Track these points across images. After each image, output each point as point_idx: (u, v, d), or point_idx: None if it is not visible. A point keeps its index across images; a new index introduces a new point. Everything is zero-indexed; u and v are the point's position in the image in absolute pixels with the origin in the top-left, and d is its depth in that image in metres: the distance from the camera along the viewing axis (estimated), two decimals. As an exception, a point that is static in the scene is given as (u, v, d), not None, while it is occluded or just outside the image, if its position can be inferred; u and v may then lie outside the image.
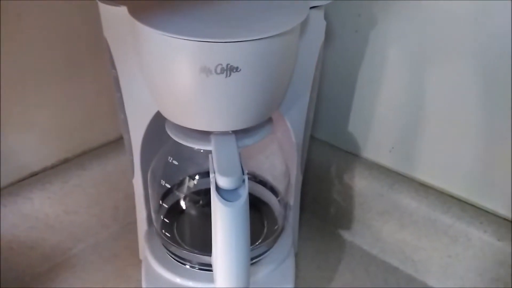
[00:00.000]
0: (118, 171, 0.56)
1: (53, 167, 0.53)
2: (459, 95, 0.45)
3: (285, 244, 0.48)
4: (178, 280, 0.44)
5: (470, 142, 0.46)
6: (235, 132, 0.37)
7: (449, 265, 0.50)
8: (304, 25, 0.37)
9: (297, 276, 0.48)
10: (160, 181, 0.45)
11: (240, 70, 0.31)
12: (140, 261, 0.51)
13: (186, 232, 0.48)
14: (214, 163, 0.33)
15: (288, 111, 0.41)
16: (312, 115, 0.46)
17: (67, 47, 0.49)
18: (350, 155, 0.57)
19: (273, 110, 0.38)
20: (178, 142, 0.38)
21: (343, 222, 0.59)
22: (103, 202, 0.56)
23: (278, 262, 0.46)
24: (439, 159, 0.50)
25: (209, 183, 0.33)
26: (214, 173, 0.32)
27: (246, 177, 0.33)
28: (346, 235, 0.59)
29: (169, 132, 0.39)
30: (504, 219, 0.47)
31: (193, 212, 0.49)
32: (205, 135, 0.37)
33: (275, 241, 0.48)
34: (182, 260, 0.45)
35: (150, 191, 0.46)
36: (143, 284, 0.45)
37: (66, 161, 0.54)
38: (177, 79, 0.32)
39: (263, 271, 0.45)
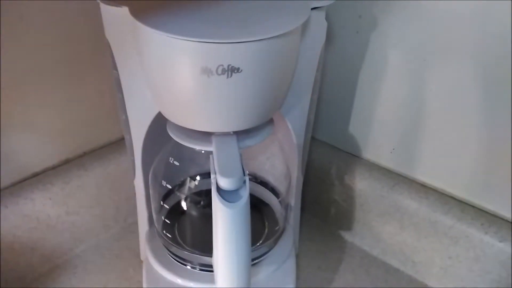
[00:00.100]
0: (119, 172, 0.56)
1: (54, 167, 0.53)
2: (460, 95, 0.45)
3: (286, 244, 0.49)
4: (179, 280, 0.44)
5: (471, 143, 0.46)
6: (236, 133, 0.37)
7: (449, 266, 0.50)
8: (305, 26, 0.37)
9: (298, 277, 0.48)
10: (161, 182, 0.45)
11: (242, 71, 0.31)
12: (141, 262, 0.51)
13: (187, 232, 0.48)
14: (215, 164, 0.33)
15: (289, 112, 0.41)
16: (313, 116, 0.46)
17: (69, 48, 0.49)
18: (351, 156, 0.57)
19: (274, 111, 0.38)
20: (179, 143, 0.38)
21: (343, 223, 0.59)
22: (104, 202, 0.56)
23: (279, 262, 0.46)
24: (440, 160, 0.50)
25: (210, 184, 0.33)
26: (215, 174, 0.32)
27: (247, 178, 0.33)
28: (346, 236, 0.59)
29: (170, 133, 0.39)
30: (505, 220, 0.47)
31: (194, 213, 0.49)
32: (206, 136, 0.37)
33: (276, 241, 0.48)
34: (183, 260, 0.45)
35: (151, 191, 0.46)
36: (144, 285, 0.45)
37: (67, 161, 0.54)
38: (178, 80, 0.33)
39: (264, 272, 0.45)
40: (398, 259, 0.54)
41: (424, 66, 0.47)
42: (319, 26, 0.39)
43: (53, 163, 0.53)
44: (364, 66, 0.52)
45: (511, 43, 0.40)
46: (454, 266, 0.49)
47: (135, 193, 0.47)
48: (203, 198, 0.48)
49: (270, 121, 0.40)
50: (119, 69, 0.38)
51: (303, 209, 0.53)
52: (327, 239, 0.59)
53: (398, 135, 0.52)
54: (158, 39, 0.31)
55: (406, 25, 0.46)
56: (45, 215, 0.50)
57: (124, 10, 0.33)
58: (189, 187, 0.49)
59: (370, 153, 0.56)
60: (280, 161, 0.49)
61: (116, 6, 0.34)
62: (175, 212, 0.47)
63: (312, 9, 0.36)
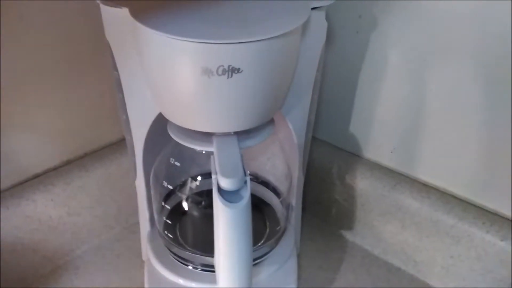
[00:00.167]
0: (120, 173, 0.56)
1: (55, 168, 0.53)
2: (460, 95, 0.45)
3: (288, 244, 0.48)
4: (180, 281, 0.44)
5: (472, 142, 0.46)
6: (237, 133, 0.37)
7: (451, 265, 0.50)
8: (305, 26, 0.37)
9: (299, 277, 0.48)
10: (163, 183, 0.45)
11: (242, 71, 0.31)
12: (143, 262, 0.51)
13: (189, 233, 0.48)
14: (216, 165, 0.33)
15: (289, 112, 0.41)
16: (314, 116, 0.46)
17: (69, 48, 0.49)
18: (352, 156, 0.57)
19: (275, 111, 0.38)
20: (180, 144, 0.38)
21: (345, 222, 0.59)
22: (106, 203, 0.56)
23: (280, 262, 0.46)
24: (441, 159, 0.50)
25: (211, 184, 0.33)
26: (216, 175, 0.32)
27: (248, 178, 0.33)
28: (348, 235, 0.59)
29: (171, 134, 0.39)
30: (507, 219, 0.47)
31: (195, 213, 0.49)
32: (207, 136, 0.37)
33: (277, 241, 0.48)
34: (184, 261, 0.45)
35: (152, 192, 0.46)
36: (146, 285, 0.45)
37: (68, 162, 0.54)
38: (178, 81, 0.32)
39: (266, 272, 0.45)
40: (399, 258, 0.54)
41: (424, 66, 0.47)
42: (319, 26, 0.39)
43: (54, 164, 0.53)
44: (365, 66, 0.51)
45: (511, 43, 0.40)
46: (456, 265, 0.49)
47: (136, 194, 0.47)
48: (204, 199, 0.48)
49: (271, 121, 0.40)
50: (119, 69, 0.38)
51: (304, 209, 0.53)
52: (328, 238, 0.58)
53: (399, 135, 0.52)
54: (158, 40, 0.31)
55: (406, 25, 0.46)
56: (46, 216, 0.50)
57: (124, 11, 0.33)
58: (190, 188, 0.48)
59: (371, 153, 0.56)
60: (281, 161, 0.49)
61: (116, 7, 0.34)
62: (177, 212, 0.47)
63: (312, 9, 0.36)
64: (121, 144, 0.57)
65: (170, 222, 0.47)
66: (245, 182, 0.33)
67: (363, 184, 0.54)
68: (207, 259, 0.44)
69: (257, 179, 0.51)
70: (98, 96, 0.54)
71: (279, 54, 0.33)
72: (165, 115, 0.37)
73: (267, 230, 0.48)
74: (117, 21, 0.35)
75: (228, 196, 0.32)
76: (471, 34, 0.42)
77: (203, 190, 0.49)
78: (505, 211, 0.47)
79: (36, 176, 0.51)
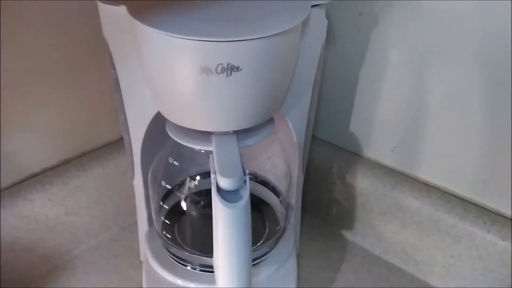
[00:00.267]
0: (118, 172, 0.55)
1: (53, 168, 0.53)
2: (461, 94, 0.45)
3: (287, 244, 0.48)
4: (179, 281, 0.44)
5: (473, 141, 0.46)
6: (236, 132, 0.36)
7: (452, 265, 0.49)
8: (305, 24, 0.37)
9: (299, 277, 0.48)
10: (161, 182, 0.45)
11: (241, 69, 0.31)
12: (141, 262, 0.51)
13: (187, 233, 0.47)
14: (215, 164, 0.33)
15: (289, 111, 0.41)
16: (314, 115, 0.46)
17: (68, 48, 0.49)
18: (352, 155, 0.57)
19: (275, 110, 0.38)
20: (178, 143, 0.38)
21: (345, 222, 0.58)
22: (104, 203, 0.56)
23: (280, 262, 0.46)
24: (442, 158, 0.49)
25: (210, 183, 0.33)
26: (215, 174, 0.32)
27: (247, 177, 0.33)
28: (348, 235, 0.59)
29: (169, 133, 0.38)
30: (508, 218, 0.46)
31: (194, 213, 0.49)
32: (206, 135, 0.36)
33: (277, 241, 0.48)
34: (183, 261, 0.45)
35: (150, 192, 0.46)
36: (144, 285, 0.45)
37: (66, 162, 0.54)
38: (177, 79, 0.32)
39: (265, 272, 0.45)
40: (400, 258, 0.54)
41: (425, 65, 0.47)
42: (319, 24, 0.39)
43: (52, 164, 0.53)
44: (365, 64, 0.51)
45: (511, 43, 0.40)
46: (457, 264, 0.49)
47: (134, 194, 0.47)
48: (203, 198, 0.48)
49: (270, 120, 0.40)
50: (117, 68, 0.38)
51: (304, 208, 0.53)
52: (329, 238, 0.58)
53: (399, 134, 0.52)
54: (157, 38, 0.31)
55: (406, 24, 0.46)
56: (44, 216, 0.50)
57: (122, 9, 0.33)
58: (189, 187, 0.48)
59: (371, 152, 0.56)
60: (280, 160, 0.48)
61: (114, 5, 0.34)
62: (175, 212, 0.47)
63: (312, 6, 0.36)
64: (119, 143, 0.57)
65: (168, 222, 0.46)
66: (245, 181, 0.33)
67: (364, 183, 0.54)
68: (205, 259, 0.43)
69: (257, 179, 0.51)
70: (97, 96, 0.54)
71: (279, 52, 0.32)
72: (163, 114, 0.37)
73: (267, 230, 0.48)
74: (115, 19, 0.35)
75: (227, 195, 0.32)
76: (471, 34, 0.42)
77: (202, 190, 0.49)
78: (507, 211, 0.47)
79: (34, 175, 0.51)
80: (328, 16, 0.39)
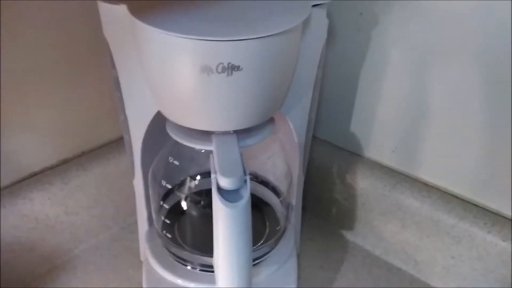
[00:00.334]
0: (118, 172, 0.55)
1: (53, 167, 0.52)
2: (462, 94, 0.45)
3: (287, 244, 0.48)
4: (179, 281, 0.44)
5: (473, 142, 0.46)
6: (237, 132, 0.36)
7: (452, 265, 0.49)
8: (306, 23, 0.37)
9: (299, 277, 0.48)
10: (161, 182, 0.45)
11: (242, 69, 0.31)
12: (141, 262, 0.51)
13: (187, 233, 0.47)
14: (215, 164, 0.33)
15: (290, 111, 0.41)
16: (314, 114, 0.45)
17: (69, 48, 0.49)
18: (352, 155, 0.57)
19: (275, 109, 0.38)
20: (179, 142, 0.38)
21: (345, 222, 0.58)
22: (104, 202, 0.56)
23: (280, 262, 0.46)
24: (442, 158, 0.49)
25: (210, 183, 0.32)
26: (216, 174, 0.32)
27: (247, 177, 0.33)
28: (348, 235, 0.59)
29: (169, 132, 0.38)
30: (508, 219, 0.46)
31: (194, 212, 0.49)
32: (206, 135, 0.36)
33: (277, 241, 0.47)
34: (183, 261, 0.45)
35: (150, 191, 0.46)
36: (144, 285, 0.45)
37: (66, 161, 0.54)
38: (177, 79, 0.32)
39: (266, 272, 0.45)
40: (400, 258, 0.54)
41: (425, 65, 0.47)
42: (320, 23, 0.39)
43: (52, 163, 0.52)
44: (366, 64, 0.51)
45: (511, 43, 0.40)
46: (457, 265, 0.49)
47: (134, 193, 0.47)
48: (203, 198, 0.48)
49: (271, 120, 0.40)
50: (117, 68, 0.38)
51: (304, 208, 0.53)
52: (329, 238, 0.58)
53: (399, 134, 0.52)
54: (157, 37, 0.31)
55: (406, 24, 0.46)
56: (44, 215, 0.50)
57: (123, 8, 0.33)
58: (189, 187, 0.48)
59: (371, 152, 0.56)
60: (281, 160, 0.48)
61: (114, 4, 0.34)
62: (175, 212, 0.47)
63: (313, 6, 0.36)
64: (119, 143, 0.57)
65: (168, 222, 0.46)
66: (245, 181, 0.33)
67: (364, 183, 0.54)
68: (206, 259, 0.43)
69: (257, 179, 0.50)
70: (97, 96, 0.54)
71: (279, 52, 0.32)
72: (164, 114, 0.37)
73: (267, 230, 0.48)
74: (115, 18, 0.35)
75: (227, 195, 0.32)
76: (471, 34, 0.42)
77: (202, 190, 0.49)
78: (507, 211, 0.47)
79: (34, 174, 0.51)
80: (328, 15, 0.39)
